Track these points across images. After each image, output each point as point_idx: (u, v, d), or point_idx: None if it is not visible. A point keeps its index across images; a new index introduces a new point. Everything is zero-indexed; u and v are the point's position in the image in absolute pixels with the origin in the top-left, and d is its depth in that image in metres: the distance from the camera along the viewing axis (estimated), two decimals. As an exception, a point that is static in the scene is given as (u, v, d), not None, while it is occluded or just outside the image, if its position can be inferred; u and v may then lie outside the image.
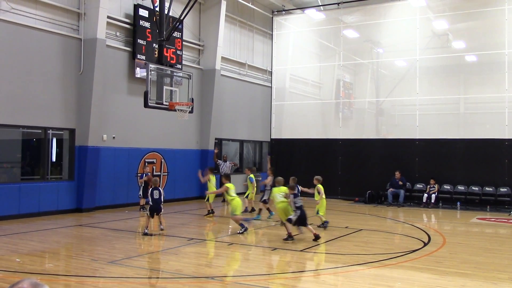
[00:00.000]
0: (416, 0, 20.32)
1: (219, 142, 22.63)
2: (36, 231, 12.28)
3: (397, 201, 19.46)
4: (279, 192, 11.71)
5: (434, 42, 21.03)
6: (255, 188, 16.43)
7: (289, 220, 11.21)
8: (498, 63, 19.27)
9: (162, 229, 12.37)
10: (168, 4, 15.49)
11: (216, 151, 21.19)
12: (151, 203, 12.21)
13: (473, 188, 18.87)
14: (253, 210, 16.18)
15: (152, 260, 9.71)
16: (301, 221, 11.18)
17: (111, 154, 16.88)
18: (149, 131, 18.47)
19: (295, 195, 11.46)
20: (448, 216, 17.01)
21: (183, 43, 19.69)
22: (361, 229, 13.31)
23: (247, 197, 16.15)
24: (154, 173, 17.95)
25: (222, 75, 21.86)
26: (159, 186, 12.64)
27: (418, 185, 19.90)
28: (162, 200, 12.32)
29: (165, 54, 16.37)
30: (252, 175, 16.09)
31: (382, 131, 22.70)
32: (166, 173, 19.04)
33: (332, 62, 23.91)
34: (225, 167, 19.89)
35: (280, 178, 12.20)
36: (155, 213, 12.22)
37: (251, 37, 24.64)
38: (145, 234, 11.84)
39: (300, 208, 11.18)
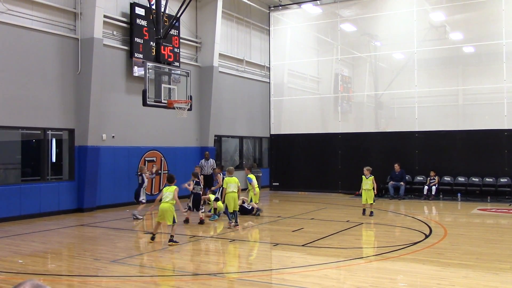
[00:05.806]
0: (413, -8, 20.29)
1: (218, 139, 22.62)
2: (38, 232, 12.30)
3: (397, 194, 19.49)
4: (169, 191, 10.61)
5: (432, 34, 21.00)
6: (256, 189, 14.77)
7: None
8: (496, 54, 19.26)
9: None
10: (164, 2, 15.47)
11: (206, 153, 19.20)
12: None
13: (473, 179, 18.89)
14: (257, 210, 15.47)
15: (155, 258, 9.72)
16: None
17: (111, 153, 16.89)
18: (148, 129, 18.47)
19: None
20: (449, 208, 17.04)
21: (180, 40, 19.66)
22: (362, 223, 13.34)
23: (251, 201, 14.72)
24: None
25: (220, 71, 21.84)
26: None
27: (418, 178, 19.91)
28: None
29: (163, 52, 16.34)
30: (250, 175, 14.73)
31: (381, 124, 22.69)
32: (166, 171, 19.03)
33: (330, 56, 23.86)
34: (208, 166, 18.11)
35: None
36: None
37: (248, 33, 24.60)
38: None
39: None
